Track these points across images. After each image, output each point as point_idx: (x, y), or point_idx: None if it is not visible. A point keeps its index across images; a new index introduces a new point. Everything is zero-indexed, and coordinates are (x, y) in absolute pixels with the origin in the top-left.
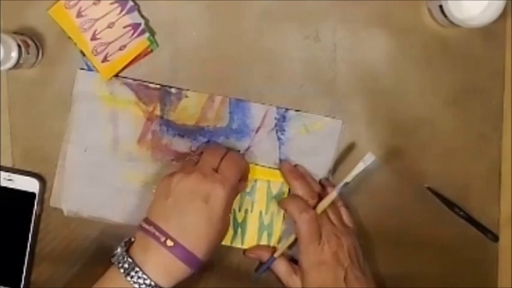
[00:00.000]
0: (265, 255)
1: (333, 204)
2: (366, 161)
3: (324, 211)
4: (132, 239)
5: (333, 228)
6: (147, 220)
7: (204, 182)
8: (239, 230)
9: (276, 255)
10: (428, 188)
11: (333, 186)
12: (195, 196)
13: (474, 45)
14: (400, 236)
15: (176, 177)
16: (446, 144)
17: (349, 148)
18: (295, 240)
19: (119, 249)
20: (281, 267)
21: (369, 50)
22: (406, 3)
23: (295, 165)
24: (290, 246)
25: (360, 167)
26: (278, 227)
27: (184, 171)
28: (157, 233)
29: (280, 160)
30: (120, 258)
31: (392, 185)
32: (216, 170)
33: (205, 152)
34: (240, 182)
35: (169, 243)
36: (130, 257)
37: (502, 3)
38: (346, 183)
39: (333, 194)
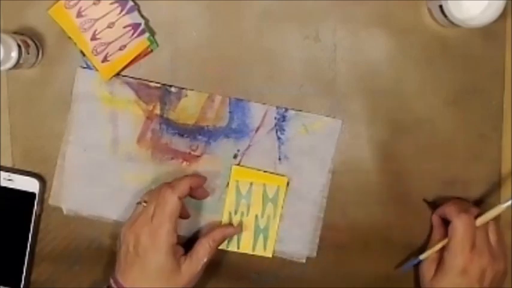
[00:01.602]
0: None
1: (495, 224)
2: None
3: (484, 227)
4: None
5: (489, 246)
6: (114, 278)
7: (142, 234)
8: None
9: (421, 257)
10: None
11: None
12: (136, 249)
13: (474, 45)
14: (400, 236)
15: (122, 231)
16: (446, 144)
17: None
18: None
19: None
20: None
21: (369, 50)
22: (406, 3)
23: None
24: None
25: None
26: (274, 230)
27: (129, 223)
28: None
29: (280, 159)
30: None
31: (392, 184)
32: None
33: (148, 200)
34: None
35: None
36: None
37: (502, 3)
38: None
39: (499, 208)
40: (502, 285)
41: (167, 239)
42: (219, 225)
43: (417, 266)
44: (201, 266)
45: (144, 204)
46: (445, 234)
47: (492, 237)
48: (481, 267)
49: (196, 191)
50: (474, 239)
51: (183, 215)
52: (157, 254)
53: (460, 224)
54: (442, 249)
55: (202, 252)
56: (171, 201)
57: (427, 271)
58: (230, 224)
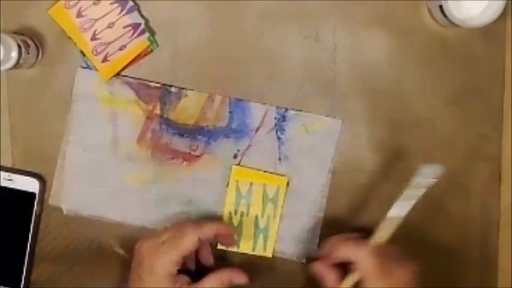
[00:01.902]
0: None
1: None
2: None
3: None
4: None
5: (394, 257)
6: None
7: (146, 256)
8: (235, 233)
9: None
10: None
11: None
12: (138, 269)
13: (474, 45)
14: (399, 236)
15: (138, 244)
16: (446, 144)
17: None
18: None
19: None
20: None
21: (369, 50)
22: (406, 3)
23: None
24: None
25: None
26: (274, 230)
27: (144, 238)
28: None
29: (280, 159)
30: None
31: (392, 184)
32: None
33: (169, 226)
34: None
35: None
36: None
37: (502, 3)
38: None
39: (396, 219)
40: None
41: (167, 267)
42: (221, 233)
43: None
44: None
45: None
46: (340, 277)
47: (389, 249)
48: (404, 285)
49: (225, 238)
50: (384, 264)
51: (205, 259)
52: (154, 279)
53: (365, 258)
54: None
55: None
56: (189, 238)
57: None
58: (241, 269)
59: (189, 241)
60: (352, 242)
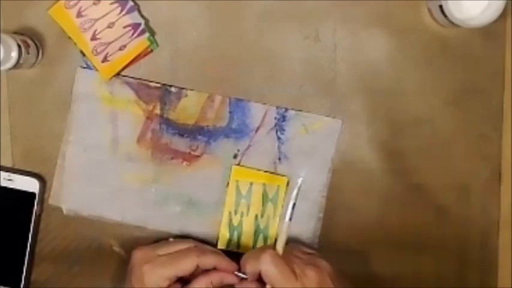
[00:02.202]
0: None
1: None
2: (298, 183)
3: (288, 252)
4: None
5: (303, 260)
6: None
7: (139, 263)
8: (235, 233)
9: None
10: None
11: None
12: (133, 272)
13: (474, 45)
14: (399, 236)
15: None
16: (446, 144)
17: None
18: None
19: None
20: None
21: (369, 50)
22: (406, 3)
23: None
24: None
25: (294, 191)
26: (274, 230)
27: (142, 246)
28: None
29: (280, 159)
30: None
31: (392, 185)
32: None
33: (175, 242)
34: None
35: None
36: None
37: (502, 3)
38: (294, 206)
39: (286, 224)
40: (341, 280)
41: (158, 281)
42: (220, 268)
43: None
44: None
45: (171, 239)
46: None
47: (296, 252)
48: (316, 283)
49: (224, 271)
50: (289, 269)
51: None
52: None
53: (267, 266)
54: None
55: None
56: (188, 262)
57: None
58: (232, 271)
59: (187, 265)
60: (254, 254)
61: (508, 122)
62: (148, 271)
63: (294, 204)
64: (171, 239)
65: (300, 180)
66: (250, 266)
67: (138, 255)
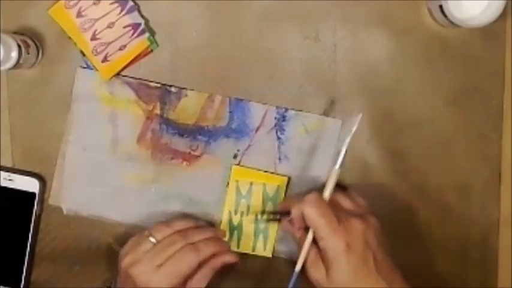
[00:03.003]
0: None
1: (341, 191)
2: (356, 122)
3: (335, 199)
4: None
5: (351, 211)
6: None
7: (142, 280)
8: (235, 233)
9: (297, 269)
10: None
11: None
12: (134, 284)
13: (474, 45)
14: (399, 236)
15: (124, 262)
16: (446, 144)
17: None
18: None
19: None
20: (309, 257)
21: (369, 50)
22: (406, 3)
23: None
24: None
25: (352, 130)
26: (274, 230)
27: (131, 257)
28: None
29: (280, 159)
30: None
31: (392, 185)
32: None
33: (159, 245)
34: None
35: None
36: None
37: (502, 3)
38: (346, 152)
39: (335, 171)
40: (385, 239)
41: None
42: (218, 252)
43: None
44: None
45: (152, 240)
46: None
47: (345, 202)
48: (359, 233)
49: (224, 254)
50: (333, 213)
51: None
52: None
53: (310, 208)
54: (317, 249)
55: (200, 281)
56: (189, 266)
57: (317, 274)
58: (229, 251)
59: (190, 268)
60: (300, 196)
61: (508, 122)
62: (155, 284)
63: (346, 152)
64: (146, 232)
65: (354, 128)
66: (295, 209)
67: (136, 270)
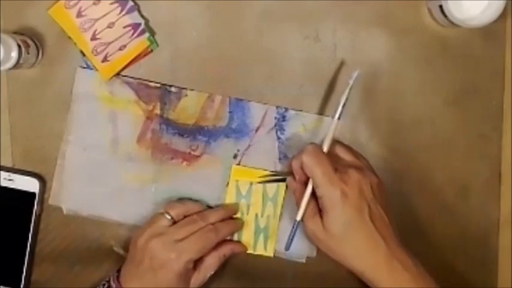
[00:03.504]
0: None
1: (340, 144)
2: (353, 77)
3: (333, 150)
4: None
5: (349, 162)
6: (118, 278)
7: (161, 252)
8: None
9: (298, 217)
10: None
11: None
12: (152, 263)
13: (474, 45)
14: (399, 235)
15: (142, 238)
16: (446, 144)
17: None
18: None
19: None
20: (308, 209)
21: (369, 50)
22: (406, 3)
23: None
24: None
25: (349, 83)
26: (274, 230)
27: (150, 232)
28: None
29: (280, 159)
30: None
31: (392, 184)
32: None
33: (181, 223)
34: (207, 260)
35: None
36: None
37: (502, 3)
38: (344, 105)
39: (334, 122)
40: (385, 193)
41: (185, 266)
42: (229, 241)
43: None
44: (207, 278)
45: (168, 216)
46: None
47: (346, 156)
48: (355, 183)
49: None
50: (330, 163)
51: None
52: (170, 275)
53: (308, 157)
54: (315, 200)
55: (211, 266)
56: (210, 244)
57: (314, 226)
58: (238, 241)
59: (210, 246)
60: (299, 151)
61: (508, 122)
62: (174, 256)
63: (345, 103)
64: (161, 210)
65: (351, 81)
66: (295, 160)
67: (155, 243)
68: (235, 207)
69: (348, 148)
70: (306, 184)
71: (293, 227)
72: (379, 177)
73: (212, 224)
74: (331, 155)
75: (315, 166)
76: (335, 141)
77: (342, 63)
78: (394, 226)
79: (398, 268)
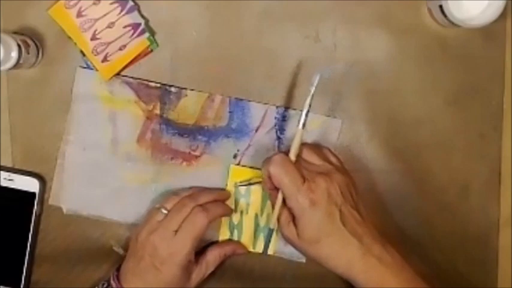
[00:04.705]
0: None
1: (306, 148)
2: (314, 82)
3: (299, 157)
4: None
5: (315, 167)
6: (118, 277)
7: (161, 247)
8: (235, 232)
9: (271, 225)
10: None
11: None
12: (153, 260)
13: (474, 45)
14: (399, 235)
15: (141, 235)
16: (446, 144)
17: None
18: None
19: None
20: (281, 218)
21: (369, 50)
22: (406, 3)
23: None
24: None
25: (311, 90)
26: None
27: (147, 229)
28: None
29: None
30: None
31: (392, 184)
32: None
33: (172, 211)
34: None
35: None
36: None
37: (502, 3)
38: (307, 112)
39: (299, 131)
40: (354, 191)
41: (186, 258)
42: (231, 241)
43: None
44: (208, 273)
45: (164, 211)
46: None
47: (313, 159)
48: (323, 190)
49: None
50: (297, 172)
51: None
52: (173, 269)
53: (274, 168)
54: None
55: (212, 262)
56: (202, 225)
57: (289, 233)
58: (240, 243)
59: (202, 229)
60: (269, 158)
61: (508, 122)
62: (174, 249)
63: (308, 112)
64: (157, 205)
65: (312, 89)
66: (263, 169)
67: (155, 237)
68: (227, 193)
69: (316, 150)
70: (278, 190)
71: (268, 234)
72: (349, 173)
73: (201, 204)
74: (298, 161)
75: (282, 177)
76: (302, 145)
77: (342, 64)
78: (368, 221)
79: (374, 264)
